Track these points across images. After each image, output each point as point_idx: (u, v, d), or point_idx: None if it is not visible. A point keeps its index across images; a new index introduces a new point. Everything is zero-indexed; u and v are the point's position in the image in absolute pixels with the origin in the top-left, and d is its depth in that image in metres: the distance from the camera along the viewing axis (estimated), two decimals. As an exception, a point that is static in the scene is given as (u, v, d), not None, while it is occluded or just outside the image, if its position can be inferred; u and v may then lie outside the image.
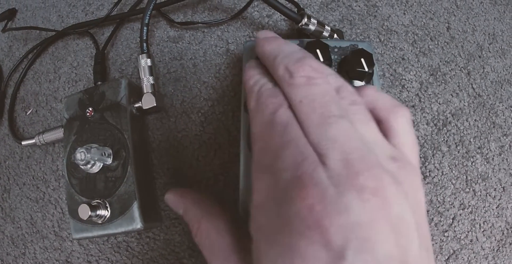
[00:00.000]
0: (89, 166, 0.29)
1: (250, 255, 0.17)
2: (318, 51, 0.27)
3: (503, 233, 0.31)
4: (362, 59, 0.27)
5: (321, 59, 0.27)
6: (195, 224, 0.21)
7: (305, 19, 0.29)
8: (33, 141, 0.35)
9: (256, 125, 0.19)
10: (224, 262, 0.19)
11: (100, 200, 0.29)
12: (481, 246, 0.31)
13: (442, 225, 0.30)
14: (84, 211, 0.28)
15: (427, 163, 0.31)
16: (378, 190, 0.14)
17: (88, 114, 0.31)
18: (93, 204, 0.29)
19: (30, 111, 0.38)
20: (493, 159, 0.32)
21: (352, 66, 0.27)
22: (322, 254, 0.13)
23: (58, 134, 0.33)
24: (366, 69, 0.27)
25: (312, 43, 0.27)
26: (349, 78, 0.28)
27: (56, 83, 0.38)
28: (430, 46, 0.34)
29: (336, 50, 0.29)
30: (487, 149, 0.32)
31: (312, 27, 0.30)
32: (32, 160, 0.37)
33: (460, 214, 0.30)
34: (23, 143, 0.35)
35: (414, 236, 0.15)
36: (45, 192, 0.35)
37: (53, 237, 0.34)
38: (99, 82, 0.34)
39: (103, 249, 0.33)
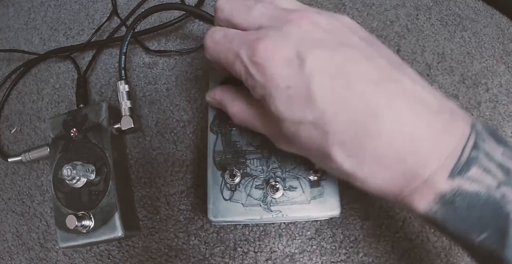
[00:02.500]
0: (74, 181, 0.34)
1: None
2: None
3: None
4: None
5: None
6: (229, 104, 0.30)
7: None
8: (19, 158, 0.39)
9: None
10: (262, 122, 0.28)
11: (84, 211, 0.35)
12: (433, 245, 0.33)
13: (393, 227, 0.36)
14: (71, 221, 0.33)
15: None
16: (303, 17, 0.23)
17: (72, 134, 0.37)
18: (78, 215, 0.34)
19: (14, 129, 0.43)
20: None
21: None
22: None
23: (44, 151, 0.38)
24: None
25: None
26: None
27: (39, 103, 0.43)
28: (377, 70, 0.41)
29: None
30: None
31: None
32: (17, 176, 0.41)
33: (410, 217, 0.35)
34: (10, 160, 0.40)
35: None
36: (30, 206, 0.40)
37: (39, 248, 0.38)
38: (82, 105, 0.39)
39: (86, 258, 0.37)
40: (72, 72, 0.43)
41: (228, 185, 0.32)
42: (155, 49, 0.40)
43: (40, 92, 0.43)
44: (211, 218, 0.31)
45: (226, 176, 0.32)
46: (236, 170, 0.32)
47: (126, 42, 0.37)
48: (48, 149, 0.38)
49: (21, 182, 0.41)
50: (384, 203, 0.36)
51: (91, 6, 0.46)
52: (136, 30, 0.40)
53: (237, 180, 0.31)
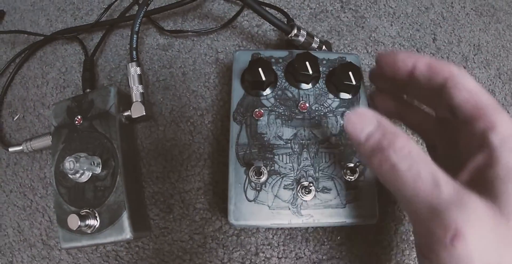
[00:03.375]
0: (78, 175, 0.29)
1: None
2: (307, 63, 0.27)
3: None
4: (350, 73, 0.27)
5: (310, 71, 0.27)
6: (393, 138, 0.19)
7: (295, 31, 0.30)
8: (21, 147, 0.34)
9: None
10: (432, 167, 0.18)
11: (89, 209, 0.29)
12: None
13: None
14: (73, 221, 0.28)
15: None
16: None
17: (76, 122, 0.31)
18: (82, 213, 0.28)
19: (17, 116, 0.37)
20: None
21: (340, 79, 0.27)
22: None
23: (46, 141, 0.33)
24: (354, 82, 0.27)
25: (302, 55, 0.28)
26: (337, 91, 0.28)
27: (43, 88, 0.37)
28: (416, 58, 0.35)
29: (324, 62, 0.29)
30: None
31: (301, 39, 0.30)
32: (19, 167, 0.36)
33: None
34: (10, 149, 0.35)
35: None
36: (33, 200, 0.35)
37: (41, 246, 0.34)
38: (88, 90, 0.34)
39: (91, 258, 0.32)
40: (80, 55, 0.37)
41: (252, 183, 0.26)
42: (171, 29, 0.34)
43: (45, 76, 0.38)
44: (232, 221, 0.25)
45: (251, 173, 0.26)
46: (263, 166, 0.26)
47: (139, 20, 0.31)
48: (51, 138, 0.32)
49: (23, 173, 0.36)
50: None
51: (101, -16, 0.40)
52: (149, 8, 0.34)
53: (263, 178, 0.26)
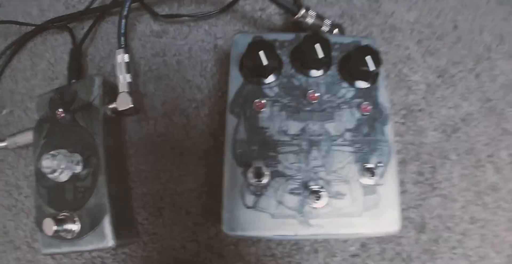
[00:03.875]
0: (56, 174, 0.23)
1: None
2: (317, 46, 0.21)
3: (513, 248, 0.25)
4: (368, 57, 0.21)
5: (320, 55, 0.21)
6: None
7: (303, 11, 0.23)
8: (5, 143, 0.29)
9: None
10: None
11: (68, 212, 0.23)
12: (492, 262, 0.25)
13: (451, 242, 0.24)
14: (48, 226, 0.22)
15: (435, 173, 0.25)
16: None
17: (58, 115, 0.25)
18: (59, 217, 0.23)
19: (5, 111, 0.32)
20: (504, 168, 0.26)
21: (356, 64, 0.21)
22: None
23: (28, 136, 0.27)
24: (372, 68, 0.21)
25: (310, 37, 0.21)
26: (352, 79, 0.22)
27: (32, 81, 0.32)
28: (437, 46, 0.28)
29: (337, 46, 0.23)
30: (498, 157, 0.26)
31: (310, 20, 0.24)
32: (5, 164, 0.30)
33: (470, 229, 0.25)
34: (-5, 146, 0.29)
35: None
36: (18, 199, 0.29)
37: (26, 249, 0.28)
38: (73, 80, 0.28)
39: (76, 263, 0.27)
40: (70, 44, 0.31)
41: (252, 187, 0.20)
42: (166, 14, 0.28)
43: (34, 68, 0.32)
44: (227, 231, 0.20)
45: (250, 175, 0.20)
46: (264, 167, 0.19)
47: (128, 3, 0.25)
48: (33, 133, 0.26)
49: (9, 170, 0.30)
50: (443, 212, 0.24)
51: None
52: (142, -9, 0.28)
53: (264, 180, 0.20)
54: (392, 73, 0.27)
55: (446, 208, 0.25)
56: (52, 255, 0.27)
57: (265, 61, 0.20)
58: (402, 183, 0.25)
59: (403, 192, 0.24)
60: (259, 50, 0.20)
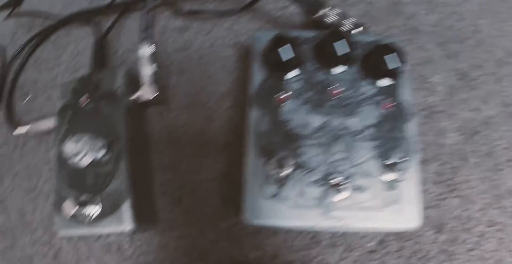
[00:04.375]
0: (79, 157, 0.24)
1: None
2: (339, 42, 0.21)
3: (529, 254, 0.25)
4: (390, 55, 0.21)
5: (342, 52, 0.21)
6: None
7: (326, 9, 0.23)
8: (26, 129, 0.29)
9: None
10: None
11: (89, 195, 0.24)
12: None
13: (468, 243, 0.24)
14: (68, 207, 0.23)
15: (454, 175, 0.25)
16: None
17: (81, 103, 0.25)
18: (80, 200, 0.23)
19: (27, 98, 0.32)
20: (522, 173, 0.26)
21: (378, 62, 0.21)
22: None
23: (50, 122, 0.27)
24: (393, 66, 0.21)
25: (334, 33, 0.21)
26: (374, 76, 0.22)
27: (55, 71, 0.32)
28: (457, 49, 0.28)
29: (359, 44, 0.23)
30: (517, 162, 0.26)
31: (332, 19, 0.24)
32: (27, 149, 0.31)
33: (488, 232, 0.24)
34: (15, 132, 0.29)
35: None
36: (37, 184, 0.30)
37: (42, 231, 0.28)
38: (97, 70, 0.28)
39: (92, 248, 0.27)
40: (92, 38, 0.32)
41: (273, 177, 0.20)
42: (188, 10, 0.28)
43: (58, 59, 0.33)
44: (248, 219, 0.20)
45: (272, 166, 0.20)
46: (287, 158, 0.20)
47: (155, -4, 0.25)
48: (55, 120, 0.26)
49: (29, 155, 0.31)
50: (462, 213, 0.24)
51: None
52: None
53: (286, 171, 0.19)
54: (412, 75, 0.27)
55: (465, 210, 0.24)
56: (69, 238, 0.27)
57: (286, 57, 0.20)
58: (422, 182, 0.25)
59: (422, 191, 0.24)
60: (281, 46, 0.21)
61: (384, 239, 0.23)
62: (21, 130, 0.29)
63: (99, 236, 0.27)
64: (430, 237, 0.23)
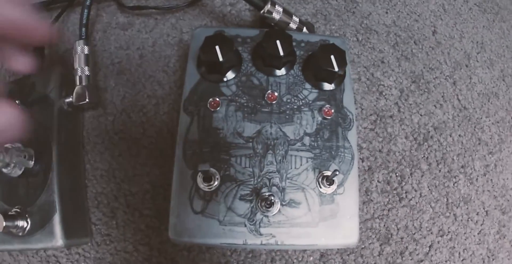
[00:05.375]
0: (9, 168, 0.21)
1: None
2: (278, 42, 0.19)
3: (483, 262, 0.24)
4: (332, 56, 0.19)
5: (281, 53, 0.19)
6: None
7: (268, 6, 0.21)
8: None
9: None
10: None
11: (19, 208, 0.22)
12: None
13: (418, 254, 0.23)
14: None
15: (403, 183, 0.23)
16: None
17: (12, 108, 0.23)
18: (10, 213, 0.21)
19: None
20: (477, 179, 0.25)
21: (319, 64, 0.19)
22: None
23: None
24: (336, 69, 0.19)
25: (272, 33, 0.19)
26: (315, 80, 0.20)
27: (-3, 71, 0.30)
28: (413, 50, 0.27)
29: (303, 45, 0.21)
30: (471, 168, 0.25)
31: (276, 16, 0.22)
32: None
33: (438, 242, 0.23)
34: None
35: None
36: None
37: (-18, 244, 0.27)
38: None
39: (32, 261, 0.25)
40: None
41: (201, 191, 0.18)
42: (133, 5, 0.26)
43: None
44: (173, 236, 0.18)
45: (199, 179, 0.18)
46: (215, 171, 0.18)
47: (91, -8, 0.23)
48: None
49: None
50: (409, 223, 0.22)
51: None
52: (109, -19, 0.26)
53: (214, 185, 0.18)
54: (364, 77, 0.25)
55: (414, 219, 0.23)
56: (9, 251, 0.25)
57: (221, 57, 0.18)
58: (367, 191, 0.23)
59: (368, 202, 0.23)
60: (216, 45, 0.19)
61: (326, 253, 0.22)
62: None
63: (37, 250, 0.25)
64: (376, 250, 0.22)
